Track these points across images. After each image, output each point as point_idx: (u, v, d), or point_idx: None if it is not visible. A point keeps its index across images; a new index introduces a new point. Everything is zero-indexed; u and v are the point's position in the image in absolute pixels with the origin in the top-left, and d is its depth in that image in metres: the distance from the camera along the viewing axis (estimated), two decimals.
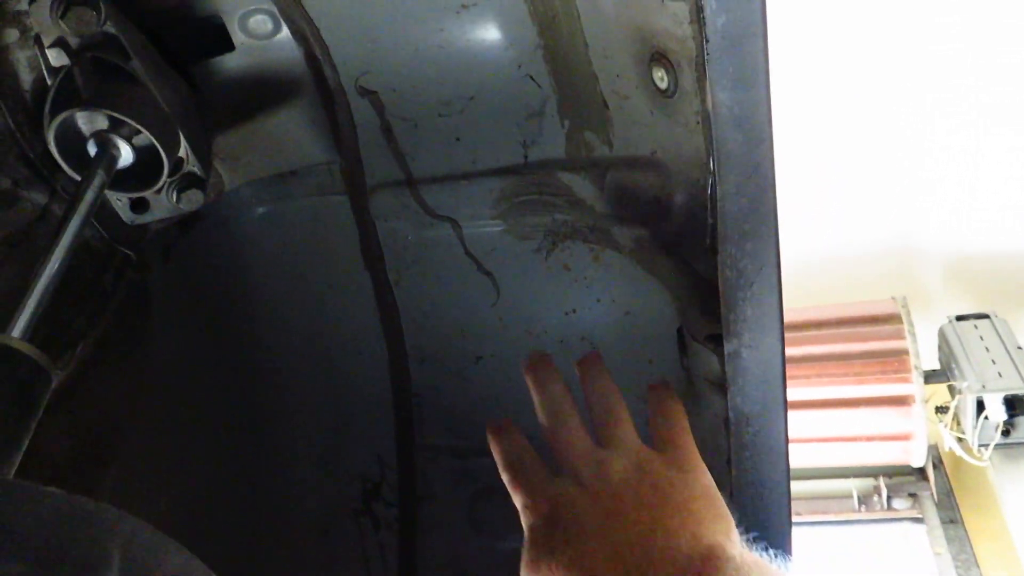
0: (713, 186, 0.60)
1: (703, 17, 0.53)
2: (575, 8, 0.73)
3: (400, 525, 0.99)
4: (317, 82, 0.87)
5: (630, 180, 0.78)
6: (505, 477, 0.74)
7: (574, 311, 0.90)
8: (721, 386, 0.72)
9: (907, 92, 2.46)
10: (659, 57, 0.66)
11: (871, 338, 2.81)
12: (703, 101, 0.58)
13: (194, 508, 0.86)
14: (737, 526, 0.67)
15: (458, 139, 0.87)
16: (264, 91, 0.86)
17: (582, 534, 0.61)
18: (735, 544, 0.61)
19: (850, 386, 2.74)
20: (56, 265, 0.64)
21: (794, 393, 2.85)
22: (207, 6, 0.80)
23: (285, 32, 0.83)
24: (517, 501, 0.70)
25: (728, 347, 0.65)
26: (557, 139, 0.83)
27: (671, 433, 0.71)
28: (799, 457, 2.88)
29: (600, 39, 0.73)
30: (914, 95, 2.46)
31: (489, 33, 0.81)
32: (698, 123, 0.64)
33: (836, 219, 2.79)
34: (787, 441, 0.69)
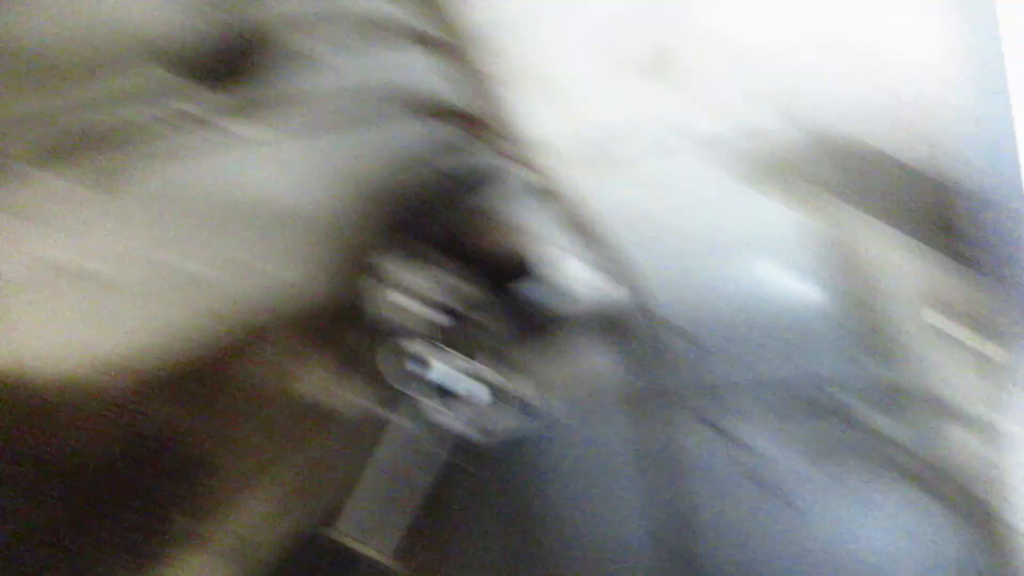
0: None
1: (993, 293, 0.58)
2: (868, 259, 0.81)
3: None
4: (627, 316, 0.99)
5: (930, 419, 0.81)
6: None
7: (869, 539, 0.90)
8: None
9: None
10: (955, 311, 0.72)
11: None
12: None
13: None
14: None
15: (752, 367, 0.95)
16: (581, 326, 1.00)
17: None
18: None
19: None
20: (416, 478, 0.78)
21: None
22: (541, 263, 0.96)
23: (605, 277, 0.97)
24: None
25: None
26: (853, 372, 0.89)
27: None
28: None
29: (894, 286, 0.80)
30: None
31: (785, 275, 0.90)
32: (1003, 382, 0.68)
33: None
34: None
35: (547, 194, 0.90)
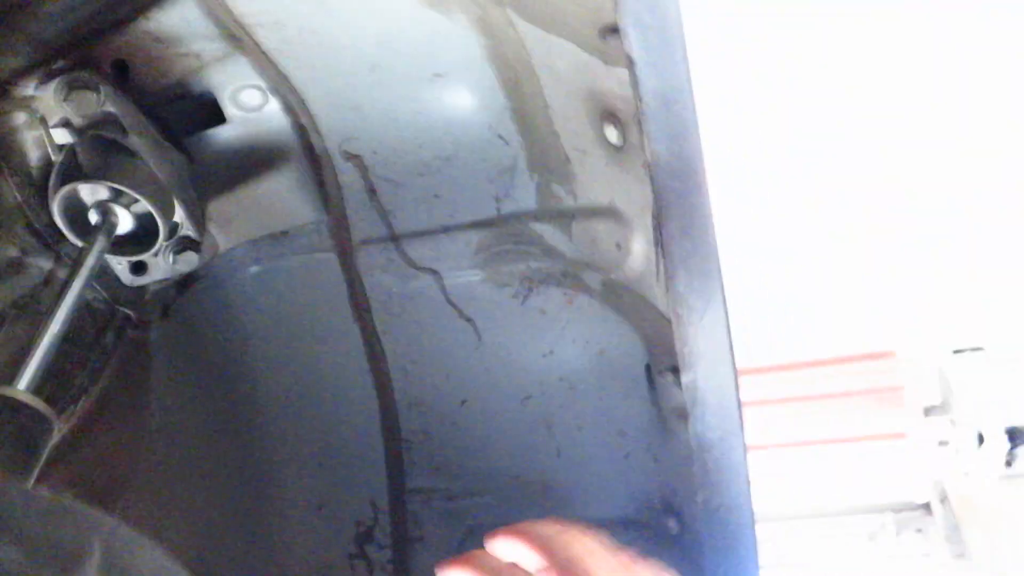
0: (658, 230, 0.66)
1: (637, 80, 0.59)
2: (535, 73, 0.79)
3: (393, 567, 1.02)
4: (304, 148, 0.93)
5: (593, 228, 0.83)
6: None
7: (551, 353, 0.94)
8: (686, 416, 0.76)
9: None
10: (609, 115, 0.72)
11: (869, 375, 2.84)
12: (645, 154, 0.64)
13: (193, 555, 0.90)
14: (711, 549, 0.72)
15: (437, 196, 0.93)
16: (255, 158, 0.93)
17: None
18: None
19: (850, 424, 2.76)
20: (60, 324, 0.70)
21: (795, 432, 2.87)
22: (200, 84, 0.87)
23: (274, 104, 0.90)
24: None
25: (685, 378, 0.69)
26: (527, 192, 0.89)
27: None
28: (806, 496, 2.87)
29: (559, 100, 0.80)
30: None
31: (461, 98, 0.88)
32: (645, 174, 0.70)
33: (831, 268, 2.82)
34: (747, 464, 0.73)
35: (207, 10, 0.81)
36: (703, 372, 0.68)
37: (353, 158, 0.94)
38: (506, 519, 0.98)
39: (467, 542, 1.01)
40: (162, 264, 0.86)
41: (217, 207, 0.92)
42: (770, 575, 2.65)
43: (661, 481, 0.89)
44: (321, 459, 1.04)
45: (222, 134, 0.91)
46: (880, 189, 2.67)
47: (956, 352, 2.83)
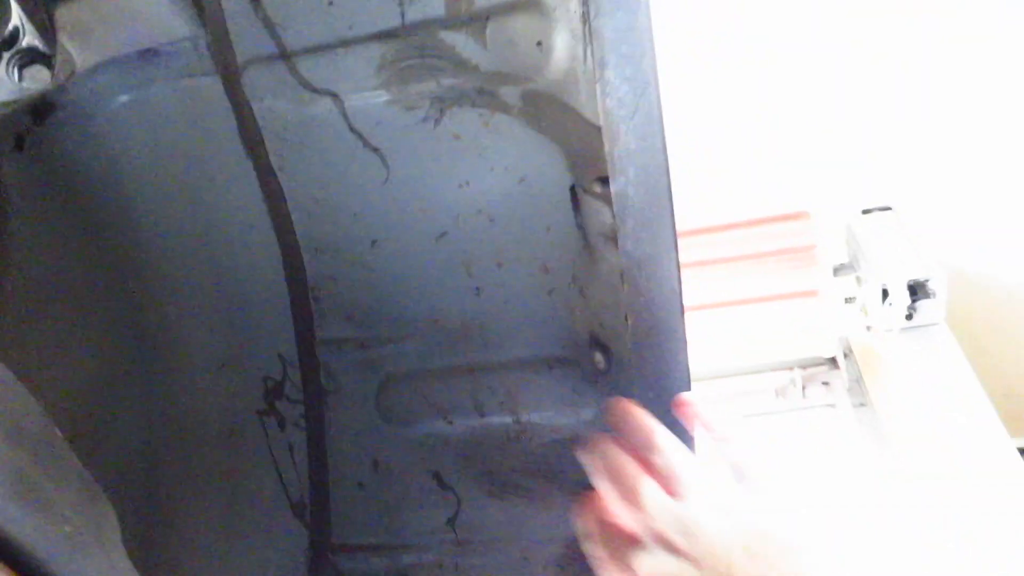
0: (587, 14, 0.57)
1: None
2: None
3: (307, 422, 0.96)
4: None
5: (511, 27, 0.74)
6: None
7: (468, 183, 0.86)
8: (614, 237, 0.70)
9: None
10: None
11: (781, 236, 2.88)
12: None
13: (80, 412, 0.81)
14: (640, 378, 0.68)
15: (331, 3, 0.81)
16: None
17: None
18: None
19: (762, 283, 2.81)
20: None
21: (709, 294, 2.91)
22: None
23: None
24: None
25: (615, 186, 0.63)
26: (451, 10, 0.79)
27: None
28: (718, 357, 2.95)
29: None
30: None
31: None
32: None
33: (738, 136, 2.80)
34: (680, 284, 0.68)
35: None
36: (634, 176, 0.62)
37: None
38: (423, 366, 0.93)
39: (383, 392, 0.95)
40: (6, 81, 0.73)
41: (69, 15, 0.78)
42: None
43: (587, 316, 0.85)
44: (220, 312, 0.95)
45: None
46: (794, 52, 2.63)
47: (865, 212, 2.90)
